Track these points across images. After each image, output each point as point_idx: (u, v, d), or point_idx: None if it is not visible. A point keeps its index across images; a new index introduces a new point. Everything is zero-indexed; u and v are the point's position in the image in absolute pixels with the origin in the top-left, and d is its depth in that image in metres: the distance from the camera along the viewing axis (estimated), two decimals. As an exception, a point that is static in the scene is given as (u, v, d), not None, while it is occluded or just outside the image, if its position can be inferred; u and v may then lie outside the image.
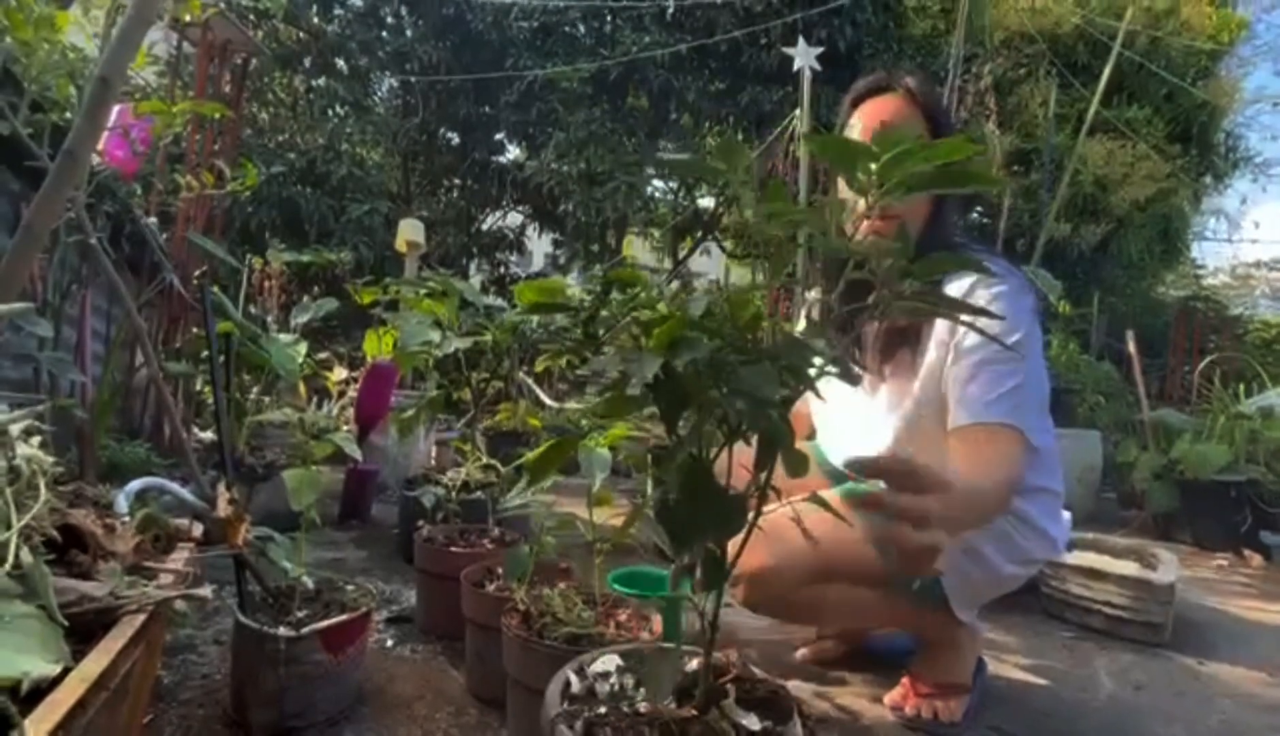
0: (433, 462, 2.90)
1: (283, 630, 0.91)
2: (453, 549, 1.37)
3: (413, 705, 1.07)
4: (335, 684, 0.97)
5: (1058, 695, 1.31)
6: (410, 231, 2.52)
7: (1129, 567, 1.70)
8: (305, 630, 0.91)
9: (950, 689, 1.16)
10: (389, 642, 1.30)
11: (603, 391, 0.71)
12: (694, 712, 0.63)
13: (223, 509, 0.89)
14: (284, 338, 1.92)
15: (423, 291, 2.00)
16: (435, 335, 1.79)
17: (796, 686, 1.24)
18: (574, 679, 0.73)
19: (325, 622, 0.94)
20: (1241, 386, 3.32)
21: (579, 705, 0.67)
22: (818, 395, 0.56)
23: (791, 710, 0.66)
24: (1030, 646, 1.56)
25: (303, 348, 1.86)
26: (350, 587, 1.12)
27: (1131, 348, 3.49)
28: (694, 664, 0.77)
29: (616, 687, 0.72)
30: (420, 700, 1.09)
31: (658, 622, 0.98)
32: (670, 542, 0.56)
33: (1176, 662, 1.54)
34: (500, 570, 1.25)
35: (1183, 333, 5.38)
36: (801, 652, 1.39)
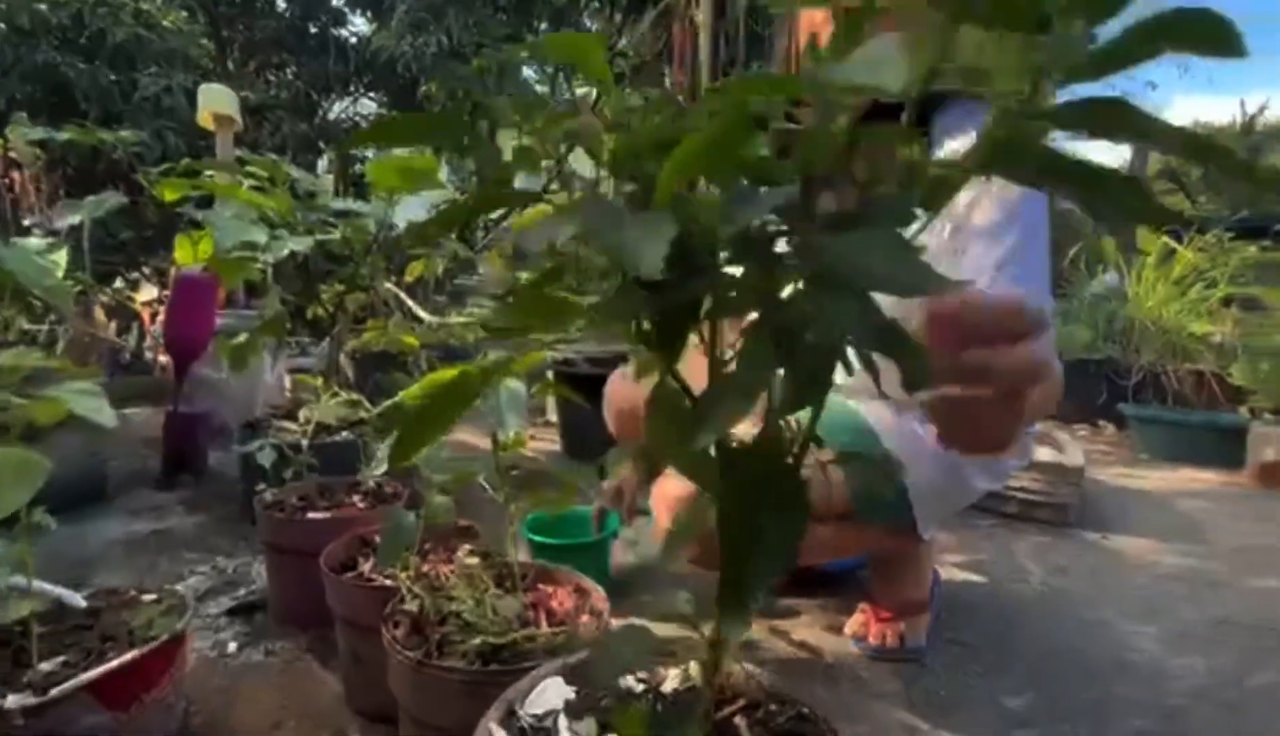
0: (287, 396, 2.43)
1: (12, 700, 0.57)
2: (309, 515, 1.04)
3: (268, 738, 0.78)
4: (131, 745, 0.66)
5: (995, 592, 1.28)
6: (215, 100, 1.89)
7: (1043, 453, 1.72)
8: (56, 691, 0.58)
9: (910, 607, 1.06)
10: (232, 645, 0.98)
11: (507, 295, 0.43)
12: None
13: None
14: (31, 242, 1.37)
15: (241, 178, 1.51)
16: (261, 234, 1.34)
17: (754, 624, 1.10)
18: (498, 734, 0.48)
19: (97, 670, 0.61)
20: (1100, 267, 3.57)
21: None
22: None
23: (828, 742, 0.46)
24: (959, 541, 1.54)
25: (61, 257, 1.34)
26: (151, 597, 0.78)
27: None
28: (673, 674, 0.55)
29: None
30: (280, 728, 0.80)
31: (598, 598, 0.75)
32: (727, 565, 0.30)
33: (1084, 540, 1.58)
34: (378, 539, 0.95)
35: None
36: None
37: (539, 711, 0.51)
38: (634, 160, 0.33)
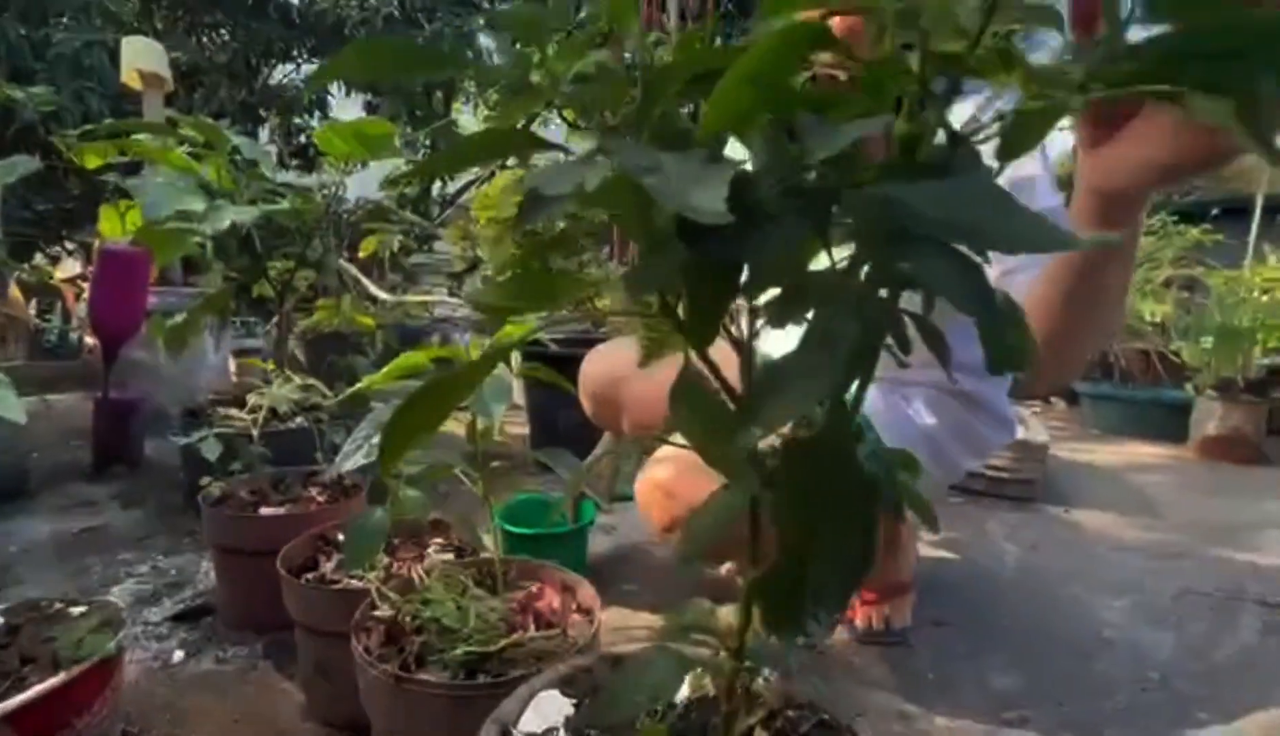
0: (233, 380, 2.28)
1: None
2: (262, 510, 0.96)
3: (221, 759, 0.71)
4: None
5: (972, 569, 1.29)
6: (141, 55, 1.69)
7: (1010, 432, 1.75)
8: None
9: (894, 589, 1.06)
10: (177, 654, 0.90)
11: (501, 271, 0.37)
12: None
13: None
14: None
15: (173, 141, 1.38)
16: (198, 203, 1.22)
17: (733, 611, 1.07)
18: (496, 762, 0.43)
19: (15, 701, 0.53)
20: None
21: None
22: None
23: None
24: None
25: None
26: (80, 609, 0.69)
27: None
28: (685, 683, 0.51)
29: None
30: (234, 746, 0.73)
31: (586, 594, 0.70)
32: (769, 607, 0.26)
33: (1049, 514, 1.62)
34: (341, 537, 0.88)
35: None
36: (728, 566, 1.22)
37: (536, 731, 0.46)
38: (665, 98, 0.28)
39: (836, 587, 0.24)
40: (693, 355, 0.33)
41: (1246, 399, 2.13)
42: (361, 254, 2.71)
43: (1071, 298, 0.57)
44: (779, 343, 0.27)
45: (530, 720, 0.47)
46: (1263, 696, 0.89)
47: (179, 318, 1.43)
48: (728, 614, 0.41)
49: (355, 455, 0.56)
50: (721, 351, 0.31)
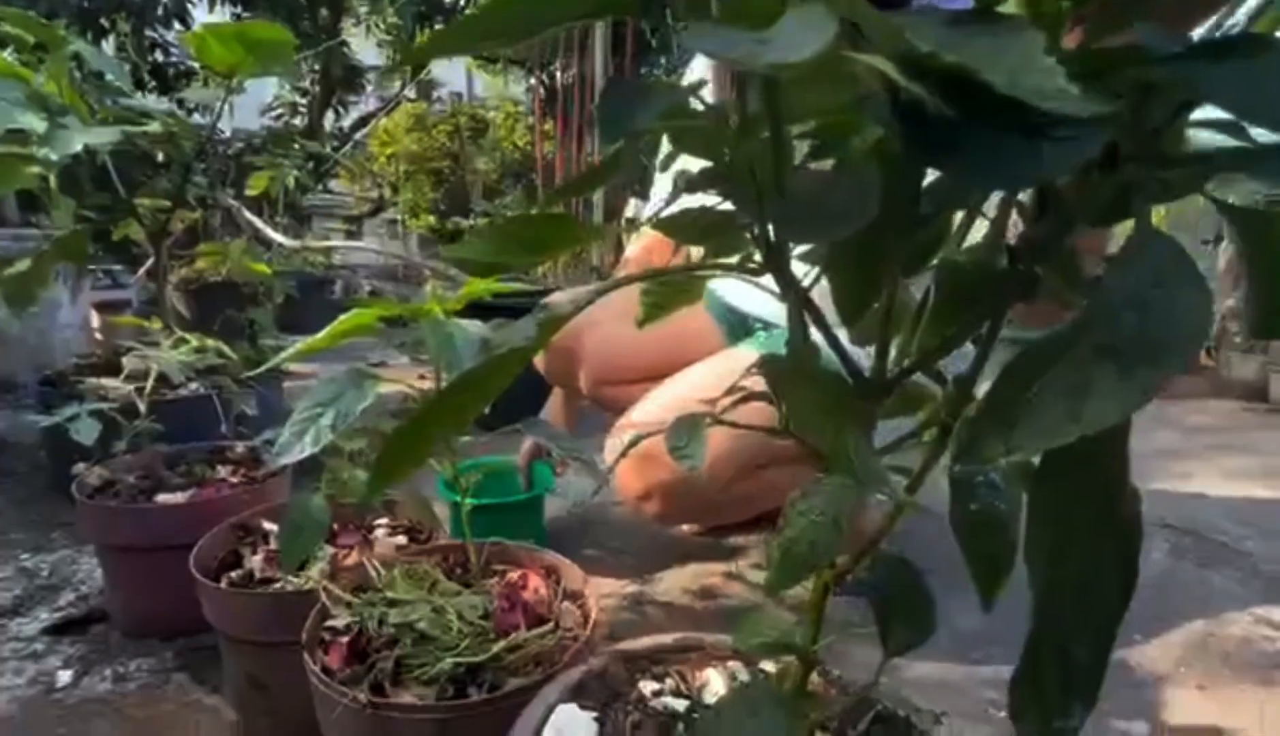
0: (97, 338, 1.95)
1: None
2: (159, 499, 0.80)
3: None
4: None
5: (928, 510, 1.33)
6: None
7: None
8: None
9: (861, 536, 1.06)
10: (64, 675, 0.74)
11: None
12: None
13: None
14: None
15: (-10, 41, 1.10)
16: (35, 121, 0.98)
17: (702, 570, 1.03)
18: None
19: None
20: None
21: None
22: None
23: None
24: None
25: None
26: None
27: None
28: (712, 678, 0.45)
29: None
30: (150, 782, 0.61)
31: (572, 575, 0.63)
32: None
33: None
34: (267, 525, 0.75)
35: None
36: (688, 526, 1.18)
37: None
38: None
39: (1094, 662, 0.18)
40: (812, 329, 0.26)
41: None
42: (250, 192, 2.38)
43: None
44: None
45: (565, 729, 0.40)
46: (1179, 614, 0.97)
47: (20, 266, 1.17)
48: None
49: (301, 443, 0.44)
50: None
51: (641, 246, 1.15)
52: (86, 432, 0.74)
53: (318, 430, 0.44)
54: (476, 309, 0.63)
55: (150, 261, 1.37)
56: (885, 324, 0.25)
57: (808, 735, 0.38)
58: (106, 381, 0.91)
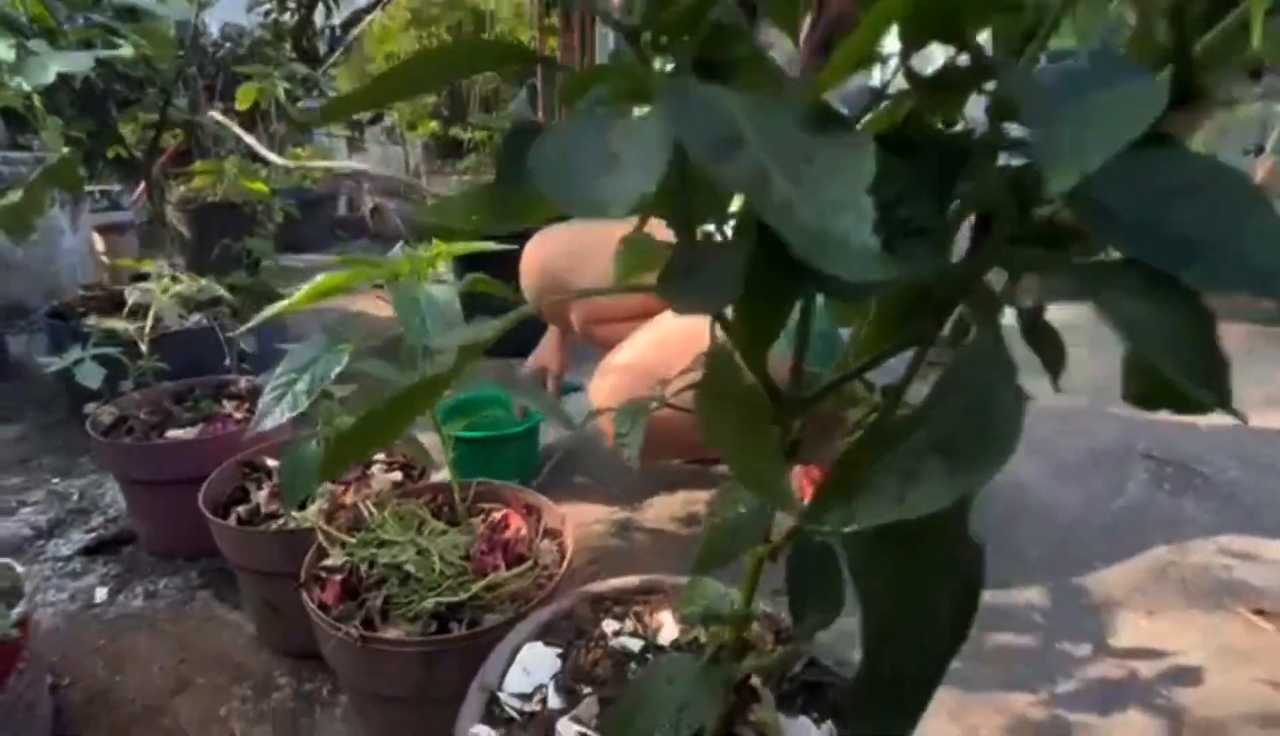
0: (103, 260, 1.97)
1: None
2: (170, 434, 0.84)
3: (171, 707, 0.67)
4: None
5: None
6: None
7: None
8: None
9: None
10: (100, 592, 0.82)
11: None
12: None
13: None
14: None
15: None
16: (5, 48, 0.96)
17: (690, 498, 1.09)
18: (484, 733, 0.41)
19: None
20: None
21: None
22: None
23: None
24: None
25: None
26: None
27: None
28: (665, 620, 0.49)
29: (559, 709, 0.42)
30: (188, 688, 0.69)
31: (551, 513, 0.67)
32: None
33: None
34: (271, 461, 0.79)
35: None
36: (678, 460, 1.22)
37: (525, 690, 0.44)
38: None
39: (937, 670, 0.20)
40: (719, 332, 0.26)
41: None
42: (239, 106, 2.30)
43: None
44: None
45: (517, 679, 0.45)
46: (1145, 542, 1.01)
47: (13, 197, 1.17)
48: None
49: (278, 409, 0.46)
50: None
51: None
52: (91, 377, 0.77)
53: (294, 396, 0.47)
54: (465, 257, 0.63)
55: (141, 186, 1.36)
56: (801, 349, 0.26)
57: (735, 687, 0.42)
58: (110, 323, 0.93)
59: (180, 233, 2.35)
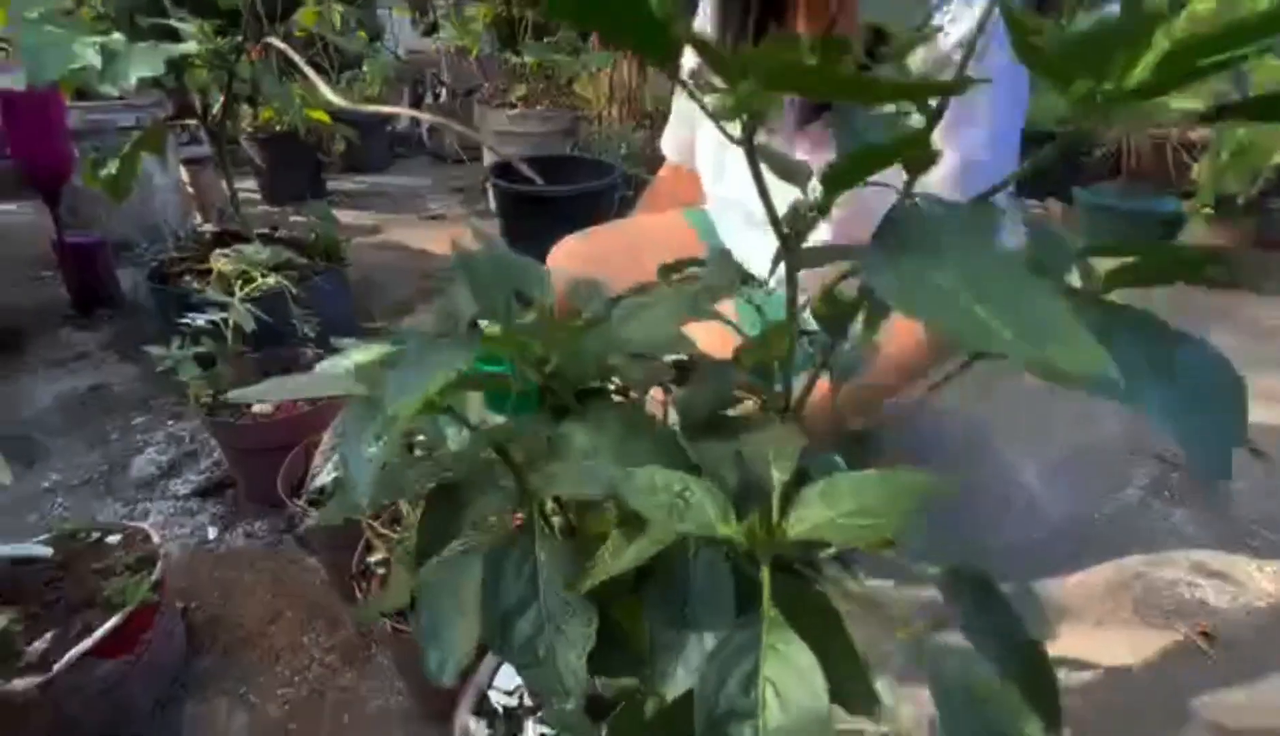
0: (189, 191, 2.15)
1: (20, 684, 0.62)
2: (255, 410, 1.02)
3: (269, 633, 0.88)
4: (145, 676, 0.74)
5: (914, 417, 1.41)
6: None
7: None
8: (59, 665, 0.63)
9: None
10: (211, 531, 1.04)
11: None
12: None
13: None
14: None
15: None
16: (90, 52, 1.06)
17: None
18: (473, 726, 0.56)
19: (88, 642, 0.66)
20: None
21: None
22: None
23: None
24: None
25: None
26: (116, 537, 0.79)
27: None
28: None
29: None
30: (279, 619, 0.90)
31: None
32: None
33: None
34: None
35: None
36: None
37: (508, 688, 0.59)
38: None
39: None
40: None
41: (1242, 222, 2.08)
42: (298, 33, 2.34)
43: None
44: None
45: (504, 677, 0.60)
46: (1120, 552, 1.06)
47: (111, 168, 1.32)
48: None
49: (326, 468, 0.60)
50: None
51: (662, 178, 1.14)
52: (187, 372, 0.94)
53: (336, 462, 0.60)
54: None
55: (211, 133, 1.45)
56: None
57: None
58: (209, 291, 1.08)
59: (254, 159, 2.50)
